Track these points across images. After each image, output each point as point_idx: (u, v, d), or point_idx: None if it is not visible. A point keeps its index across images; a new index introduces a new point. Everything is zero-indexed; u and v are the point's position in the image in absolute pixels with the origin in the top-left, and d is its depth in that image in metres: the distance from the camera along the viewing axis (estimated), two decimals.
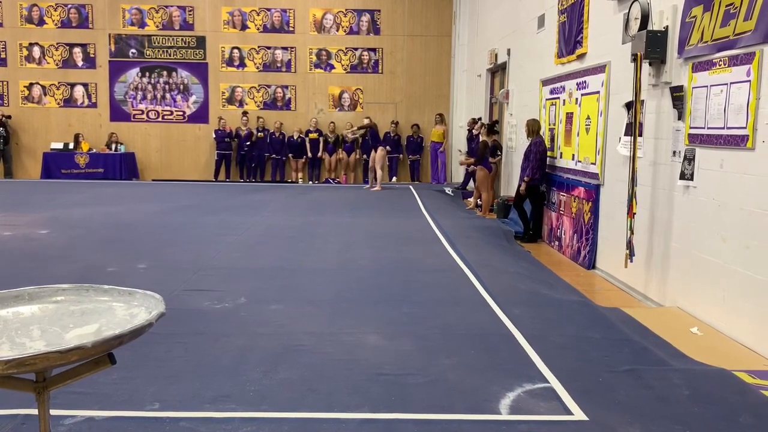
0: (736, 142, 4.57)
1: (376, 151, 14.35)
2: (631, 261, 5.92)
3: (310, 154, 16.34)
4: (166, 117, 16.83)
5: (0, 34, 16.43)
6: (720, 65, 4.75)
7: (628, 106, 6.08)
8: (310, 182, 16.42)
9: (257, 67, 16.71)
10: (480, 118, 13.33)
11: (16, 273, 6.18)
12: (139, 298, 2.24)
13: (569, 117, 8.10)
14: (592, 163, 7.31)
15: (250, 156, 16.26)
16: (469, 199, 12.35)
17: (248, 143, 16.11)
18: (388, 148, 15.53)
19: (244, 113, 16.36)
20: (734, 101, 4.59)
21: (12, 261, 6.77)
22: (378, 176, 14.42)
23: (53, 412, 2.32)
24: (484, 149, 11.06)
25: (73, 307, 2.22)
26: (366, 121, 14.88)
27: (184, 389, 3.53)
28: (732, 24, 4.57)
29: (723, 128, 4.71)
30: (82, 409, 3.22)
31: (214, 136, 16.31)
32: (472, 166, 11.86)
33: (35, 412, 2.82)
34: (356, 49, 16.75)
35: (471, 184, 12.95)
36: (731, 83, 4.62)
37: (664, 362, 4.06)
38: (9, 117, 16.27)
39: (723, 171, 4.75)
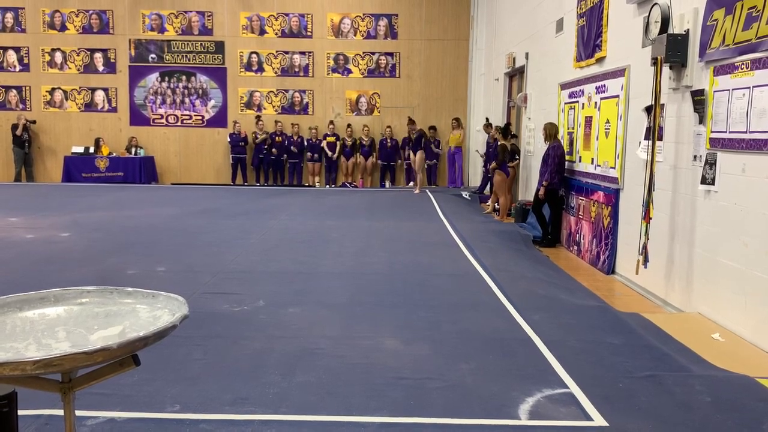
0: (759, 146, 4.51)
1: (415, 155, 14.67)
2: (645, 267, 5.84)
3: (329, 153, 16.31)
4: (185, 121, 16.98)
5: (23, 40, 16.69)
6: (742, 68, 4.70)
7: (648, 110, 6.04)
8: (327, 186, 16.46)
9: (275, 72, 16.80)
10: (487, 119, 13.35)
11: (38, 275, 6.26)
12: (162, 300, 2.26)
13: (588, 121, 8.06)
14: (611, 168, 7.26)
15: (268, 160, 16.35)
16: (486, 203, 12.31)
17: (265, 146, 16.19)
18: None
19: (258, 117, 16.45)
20: (757, 105, 4.54)
21: (34, 263, 6.86)
22: (418, 180, 14.78)
23: (75, 412, 2.34)
24: (504, 153, 11.02)
25: (98, 309, 2.25)
26: (407, 121, 15.58)
27: (203, 391, 3.55)
28: (754, 27, 4.52)
29: (745, 132, 4.66)
30: (103, 410, 3.26)
31: (228, 140, 16.42)
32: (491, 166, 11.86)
33: (58, 412, 2.87)
34: (374, 53, 16.78)
35: (488, 188, 12.92)
36: (754, 87, 4.57)
37: (685, 368, 4.01)
38: (33, 122, 16.51)
39: (745, 175, 4.70)
